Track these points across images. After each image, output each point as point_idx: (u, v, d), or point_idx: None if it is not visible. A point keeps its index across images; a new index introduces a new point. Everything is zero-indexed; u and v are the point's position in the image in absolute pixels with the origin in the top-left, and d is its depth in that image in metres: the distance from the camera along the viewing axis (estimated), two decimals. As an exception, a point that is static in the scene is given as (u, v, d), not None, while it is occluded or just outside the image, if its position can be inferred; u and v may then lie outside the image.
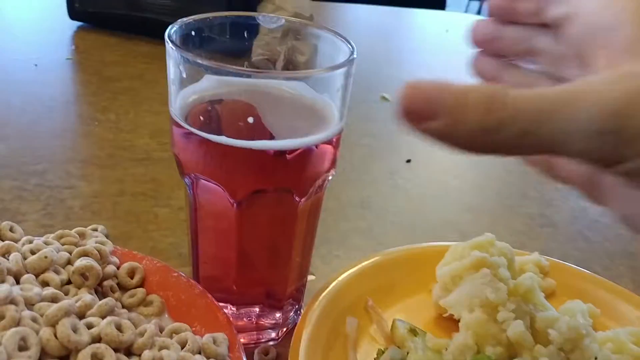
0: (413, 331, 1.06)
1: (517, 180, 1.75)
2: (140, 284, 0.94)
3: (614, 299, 1.20)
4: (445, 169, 1.74)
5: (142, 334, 0.78)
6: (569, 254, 1.44)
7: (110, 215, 1.31)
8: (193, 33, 0.88)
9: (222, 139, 0.79)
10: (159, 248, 1.21)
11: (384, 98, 2.05)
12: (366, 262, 1.20)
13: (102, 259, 0.93)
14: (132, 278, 0.94)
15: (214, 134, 0.80)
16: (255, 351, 1.04)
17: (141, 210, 1.33)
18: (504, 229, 1.49)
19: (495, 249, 1.16)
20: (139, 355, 0.76)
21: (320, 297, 1.08)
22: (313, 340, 1.00)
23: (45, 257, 0.87)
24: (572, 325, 0.96)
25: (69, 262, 0.91)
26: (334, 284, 1.12)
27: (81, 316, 0.80)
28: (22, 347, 0.69)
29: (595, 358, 0.93)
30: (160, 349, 0.77)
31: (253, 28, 0.92)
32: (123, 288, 0.94)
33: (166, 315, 0.90)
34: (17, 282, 0.82)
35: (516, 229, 1.51)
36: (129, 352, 0.77)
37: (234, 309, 1.00)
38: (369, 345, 1.05)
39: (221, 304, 0.92)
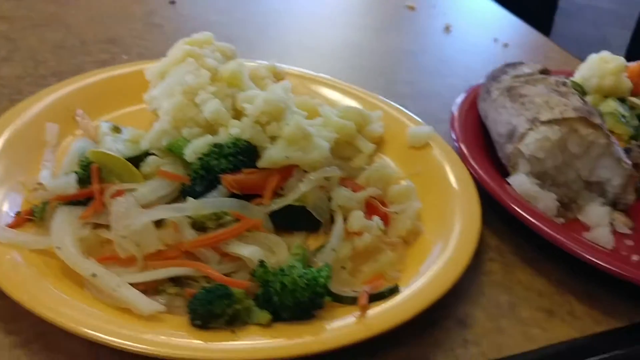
0: (117, 129, 1.01)
1: (284, 12, 1.72)
2: None
3: (340, 95, 1.22)
4: (208, 8, 1.67)
5: None
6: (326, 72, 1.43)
7: None
8: None
9: None
10: None
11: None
12: (83, 80, 1.13)
13: None
14: None
15: None
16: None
17: None
18: (259, 54, 1.46)
19: (213, 46, 1.11)
20: None
21: (24, 111, 1.01)
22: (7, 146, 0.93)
23: None
24: (268, 99, 0.94)
25: None
26: (39, 103, 1.04)
27: None
28: None
29: (287, 124, 0.92)
30: None
31: None
32: None
33: None
34: None
35: (269, 52, 1.48)
36: None
37: None
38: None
39: None
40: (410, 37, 1.73)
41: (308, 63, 1.46)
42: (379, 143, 1.12)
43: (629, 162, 1.03)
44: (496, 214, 1.02)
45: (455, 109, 1.19)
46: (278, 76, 1.23)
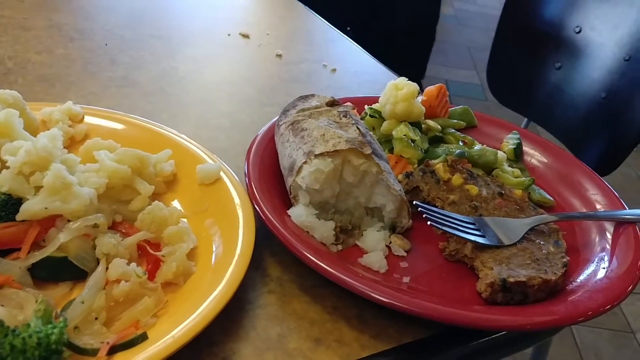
0: None
1: (108, 49, 1.71)
2: None
3: (137, 133, 1.22)
4: (31, 46, 1.64)
5: None
6: (142, 107, 1.44)
7: None
8: None
9: None
10: None
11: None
12: None
13: None
14: None
15: None
16: None
17: None
18: (76, 93, 1.45)
19: (-7, 95, 1.10)
20: None
21: None
22: None
23: None
24: (30, 150, 0.94)
25: None
26: None
27: None
28: None
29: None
30: None
31: None
32: None
33: None
34: None
35: (91, 91, 1.47)
36: None
37: None
38: None
39: None
40: (238, 66, 1.76)
41: (127, 99, 1.47)
42: (172, 182, 1.14)
43: (400, 188, 1.09)
44: (281, 246, 1.05)
45: (253, 143, 1.22)
46: (75, 118, 1.23)
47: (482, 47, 6.21)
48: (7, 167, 0.94)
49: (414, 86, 1.33)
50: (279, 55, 1.83)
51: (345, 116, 1.15)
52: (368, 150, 1.06)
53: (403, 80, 1.35)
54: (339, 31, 2.10)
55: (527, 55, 2.66)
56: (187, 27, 1.96)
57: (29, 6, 1.88)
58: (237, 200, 1.08)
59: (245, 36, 1.92)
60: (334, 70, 1.80)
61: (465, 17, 7.31)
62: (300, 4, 2.29)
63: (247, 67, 1.76)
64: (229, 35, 1.93)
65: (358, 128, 1.12)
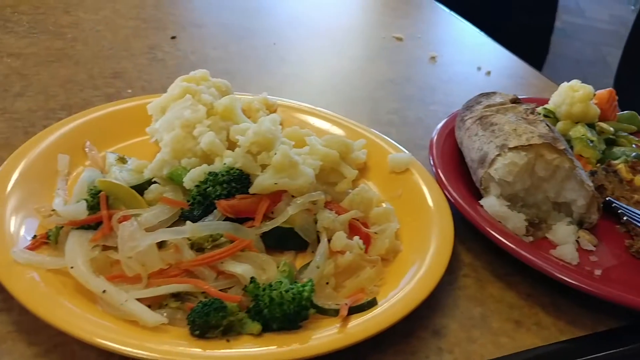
0: (122, 159, 1.10)
1: (277, 47, 1.83)
2: None
3: (328, 125, 1.31)
4: (207, 43, 1.78)
5: None
6: (316, 103, 1.54)
7: None
8: None
9: None
10: None
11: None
12: (91, 114, 1.23)
13: None
14: None
15: None
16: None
17: None
18: (255, 86, 1.57)
19: (209, 82, 1.22)
20: None
21: (38, 143, 1.10)
22: (22, 176, 1.02)
23: None
24: (258, 131, 1.04)
25: None
26: (51, 136, 1.13)
27: None
28: None
29: (276, 153, 1.01)
30: None
31: None
32: None
33: None
34: None
35: (268, 86, 1.58)
36: None
37: None
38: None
39: None
40: (397, 66, 1.83)
41: (301, 94, 1.57)
42: (363, 169, 1.22)
43: (592, 184, 1.12)
44: (470, 234, 1.12)
45: (434, 136, 1.29)
46: (270, 108, 1.33)
47: (591, 61, 6.05)
48: (238, 147, 1.04)
49: (590, 88, 1.36)
50: (433, 58, 1.89)
51: (532, 113, 1.20)
52: (561, 146, 1.10)
53: (577, 82, 1.38)
54: (486, 35, 2.14)
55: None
56: (344, 29, 2.06)
57: (198, 5, 2.03)
58: (425, 188, 1.15)
59: (399, 39, 2.00)
60: (489, 72, 1.85)
61: (573, 31, 7.11)
62: (445, 9, 2.35)
63: (405, 68, 1.83)
64: (383, 37, 2.01)
65: (547, 125, 1.16)
